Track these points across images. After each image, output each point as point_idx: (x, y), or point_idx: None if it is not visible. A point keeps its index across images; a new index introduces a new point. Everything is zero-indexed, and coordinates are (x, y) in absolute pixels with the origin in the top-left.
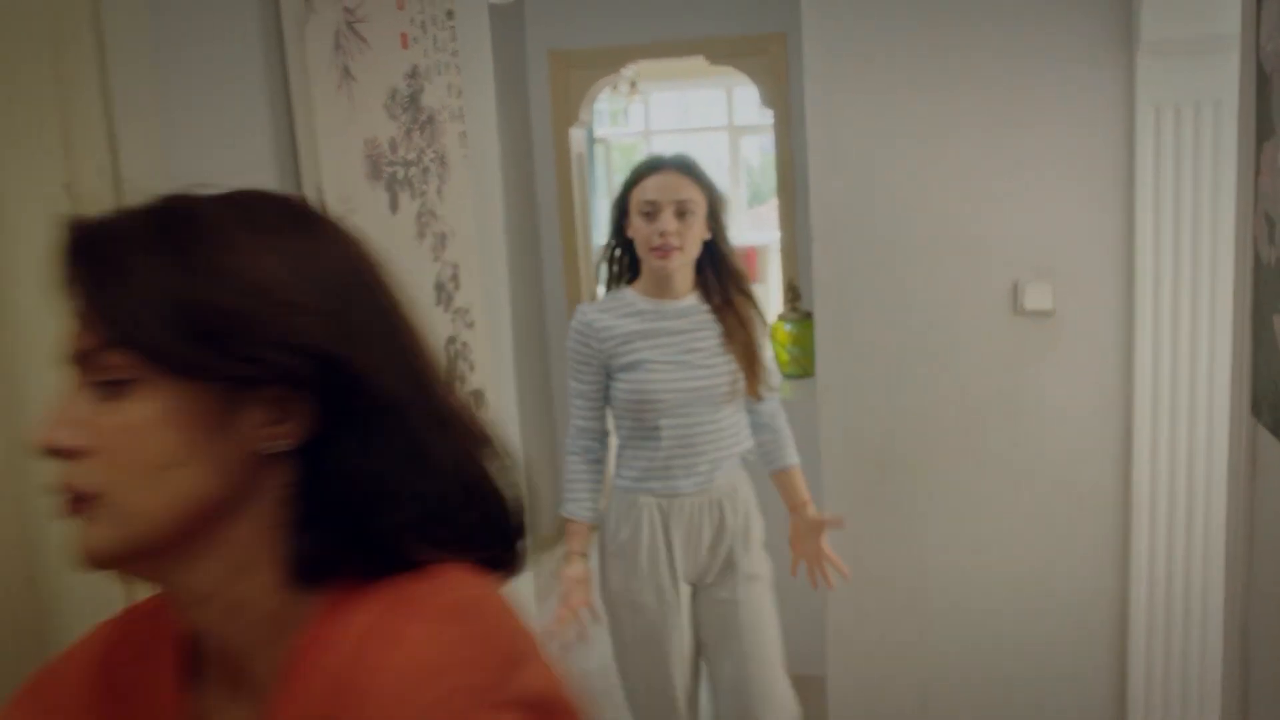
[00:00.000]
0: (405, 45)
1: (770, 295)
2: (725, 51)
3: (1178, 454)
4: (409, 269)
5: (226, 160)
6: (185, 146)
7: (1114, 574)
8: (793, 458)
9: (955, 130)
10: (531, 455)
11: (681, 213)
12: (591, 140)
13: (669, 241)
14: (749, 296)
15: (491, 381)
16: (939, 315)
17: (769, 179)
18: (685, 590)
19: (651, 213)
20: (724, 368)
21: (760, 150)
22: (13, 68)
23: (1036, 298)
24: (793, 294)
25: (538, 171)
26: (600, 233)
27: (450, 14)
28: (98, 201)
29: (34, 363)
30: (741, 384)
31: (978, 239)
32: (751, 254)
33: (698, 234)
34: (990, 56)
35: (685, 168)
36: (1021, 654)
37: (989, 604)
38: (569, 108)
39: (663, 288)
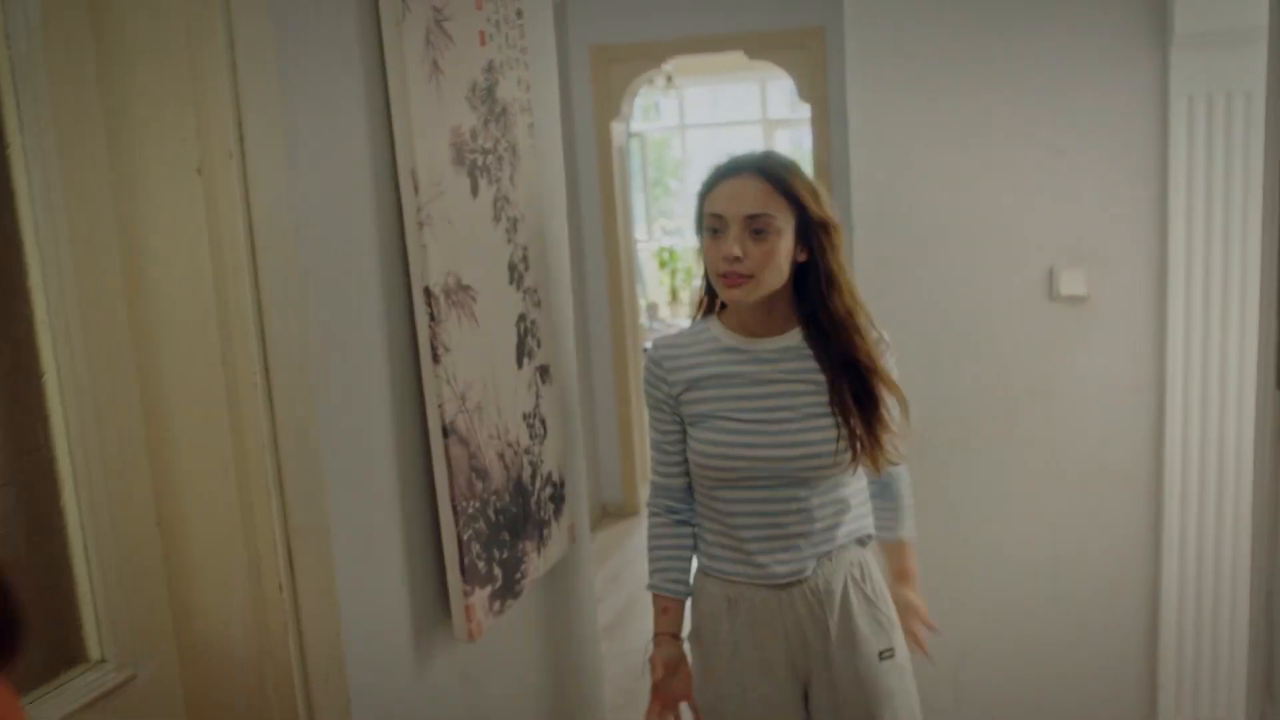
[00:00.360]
0: (482, 42)
1: None
2: (763, 45)
3: (1209, 438)
4: (487, 250)
5: (334, 146)
6: (300, 131)
7: (1146, 555)
8: (906, 530)
9: (992, 120)
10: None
11: (757, 230)
12: (627, 134)
13: (736, 269)
14: (862, 340)
15: (556, 358)
16: (976, 301)
17: None
18: (790, 689)
19: (719, 229)
20: (822, 434)
21: (793, 144)
22: (150, 59)
23: (1071, 284)
24: None
25: (579, 164)
26: (639, 226)
27: (520, 13)
28: (227, 183)
29: (173, 339)
30: (847, 456)
31: (1014, 227)
32: None
33: (782, 257)
34: (1026, 47)
35: (767, 172)
36: (1053, 633)
37: (1023, 583)
38: (609, 102)
39: (749, 322)
